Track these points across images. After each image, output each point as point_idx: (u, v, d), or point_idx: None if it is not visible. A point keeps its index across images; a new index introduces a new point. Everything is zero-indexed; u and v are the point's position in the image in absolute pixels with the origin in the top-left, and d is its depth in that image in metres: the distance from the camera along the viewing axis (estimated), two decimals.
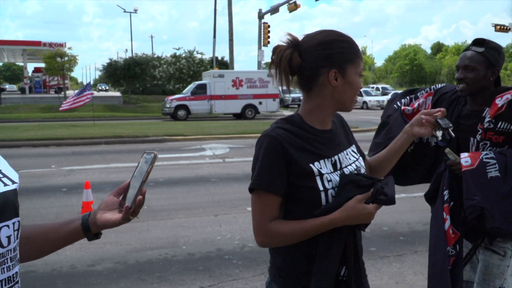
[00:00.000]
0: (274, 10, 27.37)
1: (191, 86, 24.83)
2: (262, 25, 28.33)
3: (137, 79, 30.57)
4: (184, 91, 25.65)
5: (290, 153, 1.40)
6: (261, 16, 28.57)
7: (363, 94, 36.83)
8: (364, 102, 35.70)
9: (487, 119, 2.20)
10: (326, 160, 1.46)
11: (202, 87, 24.17)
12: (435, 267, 2.17)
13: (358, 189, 1.40)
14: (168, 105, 23.79)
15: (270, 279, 1.59)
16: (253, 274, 4.21)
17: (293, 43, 1.45)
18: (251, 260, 4.53)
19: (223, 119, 24.30)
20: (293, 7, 25.33)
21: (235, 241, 5.08)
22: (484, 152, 2.17)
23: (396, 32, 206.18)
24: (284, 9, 26.79)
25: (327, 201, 1.41)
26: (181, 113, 23.54)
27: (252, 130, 16.22)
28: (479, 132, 2.23)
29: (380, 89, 42.91)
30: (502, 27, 32.47)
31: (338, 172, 1.47)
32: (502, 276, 2.21)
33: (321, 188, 1.41)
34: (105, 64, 34.15)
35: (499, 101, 2.16)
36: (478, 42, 2.27)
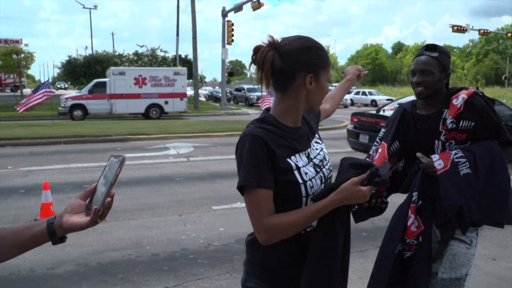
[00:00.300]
0: (238, 8, 27.33)
1: (90, 84, 23.41)
2: (226, 23, 28.22)
3: (98, 77, 29.86)
4: (82, 90, 24.15)
5: (271, 149, 1.48)
6: (224, 14, 28.46)
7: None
8: None
9: (449, 120, 2.33)
10: (301, 153, 1.57)
11: (102, 85, 22.74)
12: (380, 264, 2.39)
13: (355, 170, 1.51)
14: (62, 105, 22.33)
15: (247, 273, 1.66)
16: (218, 273, 4.19)
17: (274, 45, 1.52)
18: (216, 259, 4.51)
19: (128, 118, 23.64)
20: (257, 6, 25.35)
21: (200, 240, 5.05)
22: (453, 152, 2.28)
23: (359, 32, 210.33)
24: (248, 7, 26.82)
25: (306, 193, 1.51)
26: (77, 113, 22.05)
27: (217, 129, 16.16)
28: (443, 133, 2.35)
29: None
30: (459, 27, 33.61)
31: (311, 163, 1.58)
32: (468, 264, 2.36)
33: (300, 181, 1.50)
34: (64, 62, 33.24)
35: (456, 102, 2.31)
36: (430, 47, 2.40)
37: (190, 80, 33.51)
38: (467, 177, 2.21)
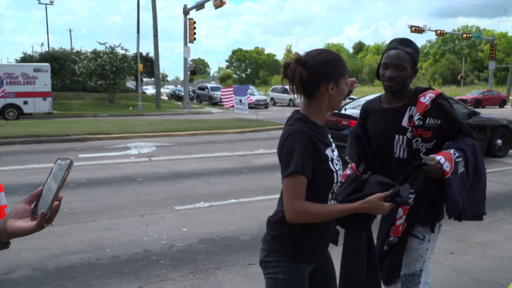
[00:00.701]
0: (200, 6, 27.13)
1: None
2: (188, 21, 27.97)
3: (55, 75, 28.95)
4: None
5: (315, 144, 1.82)
6: (186, 11, 28.19)
7: (289, 91, 37.59)
8: (291, 100, 36.48)
9: (416, 117, 2.35)
10: (330, 148, 1.91)
11: None
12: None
13: (381, 187, 1.89)
14: None
15: (268, 251, 1.94)
16: (181, 274, 4.13)
17: (300, 61, 1.85)
18: (179, 260, 4.45)
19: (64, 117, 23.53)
20: (219, 4, 25.24)
21: (162, 241, 4.97)
22: (452, 152, 2.27)
23: (320, 31, 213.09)
24: (210, 5, 26.65)
25: (337, 180, 1.89)
26: None
27: (179, 128, 15.97)
28: (409, 130, 2.36)
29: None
30: (417, 28, 34.60)
31: (337, 157, 1.94)
32: (421, 259, 2.40)
33: (333, 169, 1.87)
34: (19, 59, 32.01)
35: (424, 100, 2.35)
36: (405, 42, 2.40)
37: (152, 79, 33.01)
38: (462, 176, 2.28)
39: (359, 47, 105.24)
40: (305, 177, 1.77)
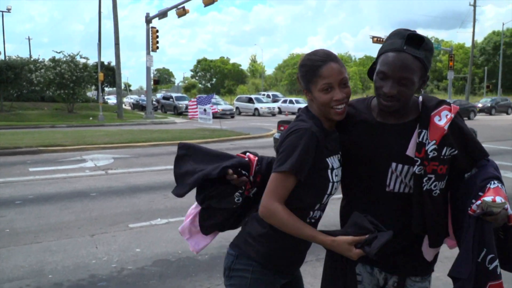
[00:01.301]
0: (163, 14, 26.66)
1: None
2: (150, 29, 27.42)
3: (11, 84, 27.68)
4: None
5: (319, 148, 1.70)
6: (148, 20, 27.64)
7: (255, 101, 37.55)
8: (256, 109, 36.36)
9: (431, 147, 1.70)
10: (335, 156, 1.79)
11: None
12: None
13: (358, 230, 1.64)
14: None
15: (236, 256, 1.82)
16: None
17: None
18: (129, 285, 4.04)
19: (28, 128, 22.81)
20: (182, 12, 24.88)
21: (112, 264, 4.53)
22: (500, 186, 1.69)
23: (285, 41, 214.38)
24: (173, 14, 26.21)
25: (331, 191, 1.77)
26: None
27: (140, 138, 15.42)
28: (419, 163, 1.72)
29: (271, 96, 44.16)
30: (378, 39, 35.15)
31: (341, 168, 1.84)
32: None
33: (330, 179, 1.75)
34: None
35: (440, 121, 1.72)
36: (415, 40, 1.68)
37: (113, 88, 32.15)
38: None
39: None
40: (296, 179, 1.68)
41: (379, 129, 1.80)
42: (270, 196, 1.67)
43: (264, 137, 17.26)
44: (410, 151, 1.74)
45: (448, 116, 1.71)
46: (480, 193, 1.65)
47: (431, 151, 1.69)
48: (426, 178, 1.71)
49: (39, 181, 8.71)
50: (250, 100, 38.22)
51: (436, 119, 1.72)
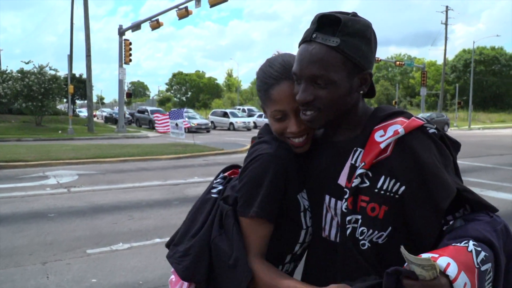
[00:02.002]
0: (136, 27, 26.19)
1: None
2: (123, 42, 26.87)
3: None
4: None
5: (288, 181, 1.30)
6: (121, 32, 27.11)
7: (230, 115, 37.23)
8: (231, 124, 36.02)
9: (359, 170, 1.19)
10: (304, 192, 1.35)
11: None
12: None
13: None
14: None
15: None
16: None
17: None
18: None
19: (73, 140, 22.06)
20: (156, 25, 24.47)
21: None
22: (471, 245, 1.02)
23: (261, 56, 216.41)
24: (146, 26, 25.75)
25: (304, 238, 1.34)
26: None
27: (108, 153, 14.81)
28: (346, 196, 1.20)
29: (246, 111, 43.93)
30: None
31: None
32: None
33: (303, 225, 1.33)
34: None
35: (381, 138, 1.20)
36: (325, 22, 1.19)
37: (86, 101, 31.31)
38: None
39: None
40: (271, 224, 1.29)
41: (320, 149, 1.35)
42: (247, 250, 1.28)
43: (238, 152, 16.84)
44: (342, 177, 1.25)
45: (395, 131, 1.18)
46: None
47: (357, 177, 1.18)
48: (349, 218, 1.18)
49: None
50: (225, 115, 37.87)
51: (377, 134, 1.21)
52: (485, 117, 58.19)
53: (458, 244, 1.02)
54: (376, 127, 1.23)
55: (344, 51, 1.17)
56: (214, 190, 1.45)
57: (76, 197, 8.57)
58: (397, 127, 1.19)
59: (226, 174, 1.51)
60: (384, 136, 1.19)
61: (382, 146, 1.18)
